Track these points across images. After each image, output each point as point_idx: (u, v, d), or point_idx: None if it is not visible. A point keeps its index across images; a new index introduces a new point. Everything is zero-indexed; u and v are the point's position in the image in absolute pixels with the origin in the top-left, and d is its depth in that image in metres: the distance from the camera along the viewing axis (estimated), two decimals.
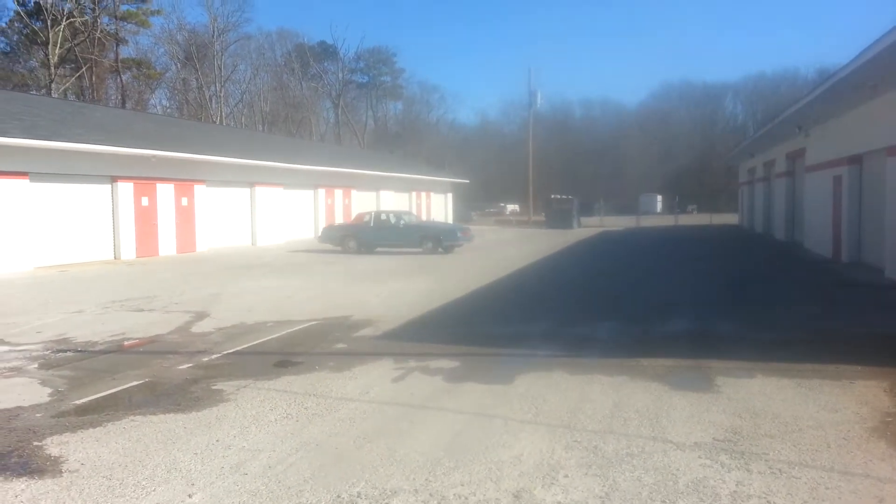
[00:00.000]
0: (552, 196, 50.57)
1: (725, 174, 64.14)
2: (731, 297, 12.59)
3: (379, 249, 23.15)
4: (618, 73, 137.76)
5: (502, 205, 77.89)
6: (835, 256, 18.59)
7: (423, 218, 44.66)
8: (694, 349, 8.02)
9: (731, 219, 48.56)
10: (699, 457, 4.67)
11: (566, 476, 4.37)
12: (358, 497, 4.10)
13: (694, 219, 55.27)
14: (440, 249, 22.37)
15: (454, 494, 4.12)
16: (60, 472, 4.54)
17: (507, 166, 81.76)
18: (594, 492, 4.13)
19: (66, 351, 8.40)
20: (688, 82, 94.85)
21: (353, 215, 36.04)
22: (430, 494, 4.13)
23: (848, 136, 17.57)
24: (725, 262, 19.99)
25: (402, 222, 23.35)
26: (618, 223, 48.13)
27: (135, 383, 6.79)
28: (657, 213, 70.26)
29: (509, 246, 27.49)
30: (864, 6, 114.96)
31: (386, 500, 4.05)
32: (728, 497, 4.04)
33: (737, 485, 4.20)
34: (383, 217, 23.69)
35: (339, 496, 4.12)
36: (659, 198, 78.23)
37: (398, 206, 42.36)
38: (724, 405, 5.82)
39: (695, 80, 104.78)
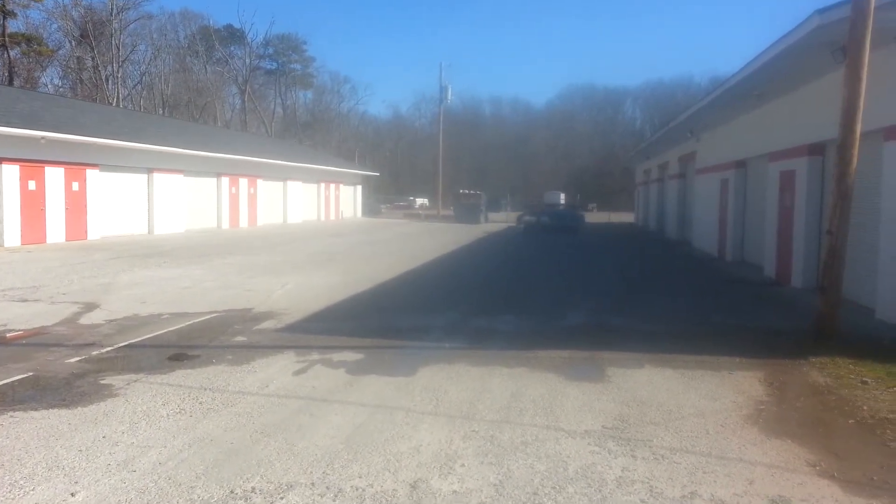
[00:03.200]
0: (461, 191, 51.15)
1: (623, 175, 66.88)
2: (625, 292, 13.17)
3: None
4: (526, 74, 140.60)
5: (412, 198, 78.00)
6: (720, 254, 19.77)
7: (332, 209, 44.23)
8: (589, 341, 8.36)
9: (628, 217, 50.70)
10: (588, 444, 4.88)
11: (463, 465, 4.47)
12: (252, 492, 4.05)
13: (594, 217, 57.22)
14: None
15: (351, 487, 4.14)
16: None
17: (418, 160, 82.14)
18: (489, 480, 4.25)
19: None
20: (591, 85, 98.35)
21: (259, 205, 35.23)
22: (327, 487, 4.13)
23: (735, 141, 18.70)
24: (620, 258, 20.85)
25: None
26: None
27: (17, 377, 6.39)
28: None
29: (417, 239, 27.59)
30: (755, 19, 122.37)
31: (281, 495, 4.02)
32: (614, 482, 4.25)
33: (622, 470, 4.43)
34: None
35: (232, 491, 4.05)
36: (562, 195, 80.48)
37: (306, 196, 41.67)
38: (614, 394, 6.10)
39: (598, 83, 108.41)
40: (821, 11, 9.13)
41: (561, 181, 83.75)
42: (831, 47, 9.77)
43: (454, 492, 4.09)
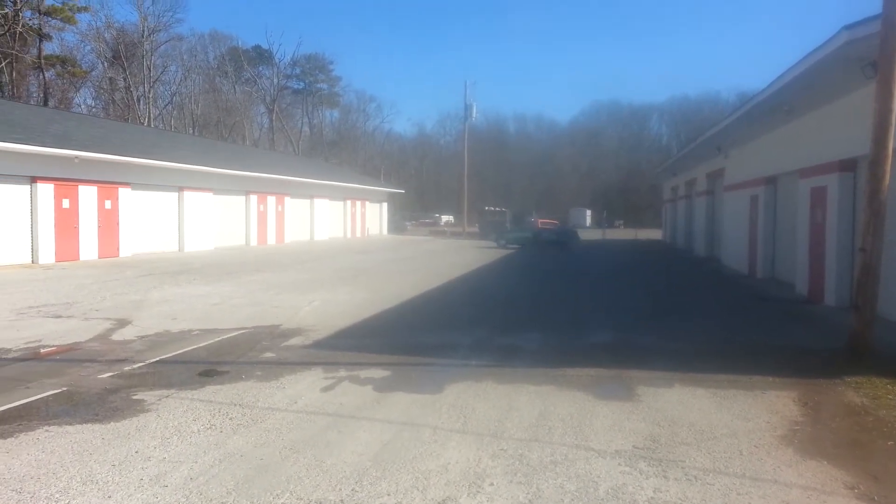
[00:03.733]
0: (486, 208, 51.21)
1: (650, 191, 66.41)
2: (654, 310, 13.03)
3: None
4: (551, 91, 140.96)
5: (437, 215, 78.28)
6: (751, 272, 19.49)
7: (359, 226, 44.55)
8: (617, 359, 8.27)
9: (655, 234, 50.27)
10: (619, 464, 4.82)
11: (492, 484, 4.44)
12: None
13: (621, 233, 56.94)
14: None
15: None
16: None
17: (443, 178, 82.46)
18: (518, 499, 4.22)
19: None
20: (616, 102, 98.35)
21: (286, 223, 35.60)
22: None
23: (764, 158, 18.50)
24: (649, 275, 20.66)
25: None
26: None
27: (51, 392, 6.51)
28: (586, 227, 72.05)
29: (443, 256, 27.62)
30: (780, 35, 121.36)
31: None
32: (646, 503, 4.19)
33: (654, 491, 4.37)
34: None
35: None
36: (588, 212, 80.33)
37: (332, 214, 42.01)
38: (644, 414, 6.03)
39: (623, 100, 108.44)
40: (849, 27, 9.02)
41: (586, 198, 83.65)
42: (860, 62, 9.65)
43: None
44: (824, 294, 13.37)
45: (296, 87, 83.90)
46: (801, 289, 14.86)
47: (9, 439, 5.18)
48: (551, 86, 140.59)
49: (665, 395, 6.67)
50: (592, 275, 20.64)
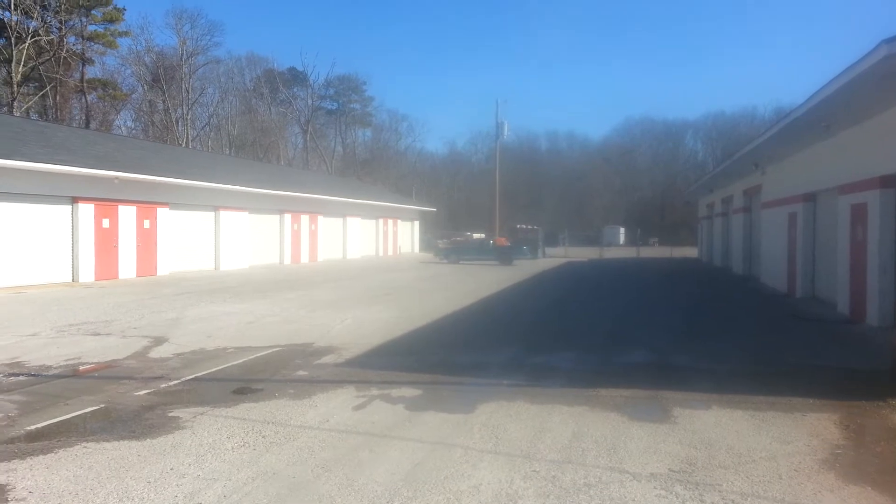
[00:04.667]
0: (518, 226, 51.06)
1: (685, 209, 65.58)
2: (689, 330, 12.82)
3: None
4: (583, 108, 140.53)
5: (469, 233, 78.20)
6: (790, 291, 19.08)
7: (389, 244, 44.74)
8: (652, 380, 8.14)
9: (690, 252, 49.56)
10: (655, 487, 4.73)
11: None
12: None
13: (655, 251, 56.23)
14: None
15: None
16: (6, 500, 4.41)
17: (474, 195, 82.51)
18: None
19: (18, 375, 8.18)
20: (649, 118, 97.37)
21: (319, 241, 35.96)
22: None
23: (802, 174, 18.17)
24: (684, 294, 20.35)
25: None
26: (582, 254, 48.71)
27: (89, 409, 6.64)
28: (620, 245, 71.38)
29: (475, 274, 27.59)
30: (821, 49, 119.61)
31: None
32: None
33: None
34: None
35: None
36: (622, 230, 79.57)
37: (364, 232, 42.32)
38: (680, 436, 5.91)
39: (656, 116, 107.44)
40: (889, 41, 8.84)
41: (620, 216, 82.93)
42: None
43: None
44: (866, 313, 13.01)
45: (329, 107, 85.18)
46: (842, 308, 14.49)
47: (49, 455, 5.28)
48: (583, 103, 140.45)
49: (702, 416, 6.54)
50: (627, 294, 20.40)
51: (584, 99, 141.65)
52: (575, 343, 10.95)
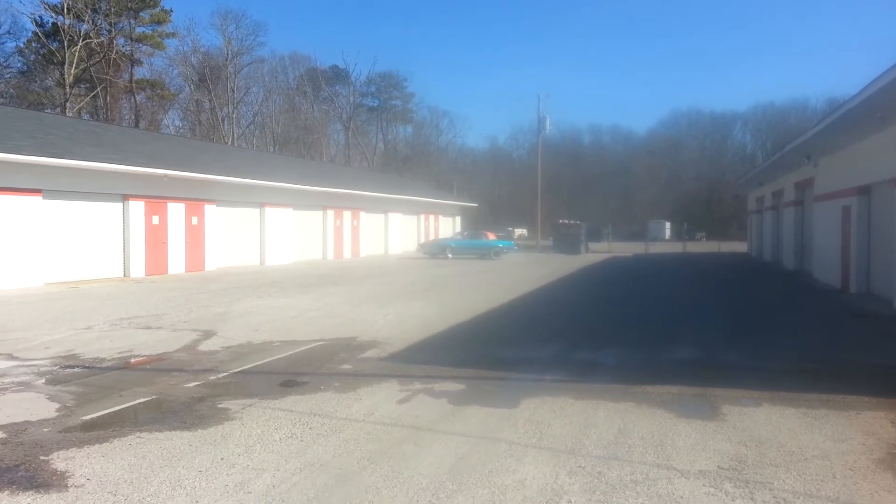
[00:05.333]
0: (560, 221, 50.63)
1: (734, 203, 64.12)
2: (739, 326, 12.55)
3: None
4: (627, 100, 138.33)
5: (510, 229, 77.86)
6: (843, 286, 18.52)
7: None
8: (700, 377, 8.00)
9: (739, 247, 48.50)
10: (703, 485, 4.65)
11: (569, 502, 4.36)
12: None
13: (703, 246, 55.17)
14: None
15: None
16: (66, 486, 4.57)
17: (516, 190, 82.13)
18: None
19: (73, 367, 8.46)
20: (696, 110, 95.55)
21: (361, 237, 36.26)
22: None
23: (856, 166, 17.60)
24: (733, 290, 19.93)
25: None
26: (626, 249, 48.08)
27: (141, 400, 6.83)
28: (666, 240, 70.21)
29: (516, 269, 27.50)
30: (873, 39, 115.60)
31: None
32: None
33: None
34: None
35: None
36: (668, 224, 78.28)
37: (405, 228, 42.50)
38: (730, 433, 5.79)
39: (703, 108, 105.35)
40: None
41: (665, 210, 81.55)
42: None
43: None
44: None
45: (371, 104, 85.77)
46: None
47: (104, 444, 5.45)
48: (627, 96, 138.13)
49: (752, 414, 6.40)
50: (673, 289, 20.08)
51: (629, 92, 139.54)
52: (619, 339, 10.82)
